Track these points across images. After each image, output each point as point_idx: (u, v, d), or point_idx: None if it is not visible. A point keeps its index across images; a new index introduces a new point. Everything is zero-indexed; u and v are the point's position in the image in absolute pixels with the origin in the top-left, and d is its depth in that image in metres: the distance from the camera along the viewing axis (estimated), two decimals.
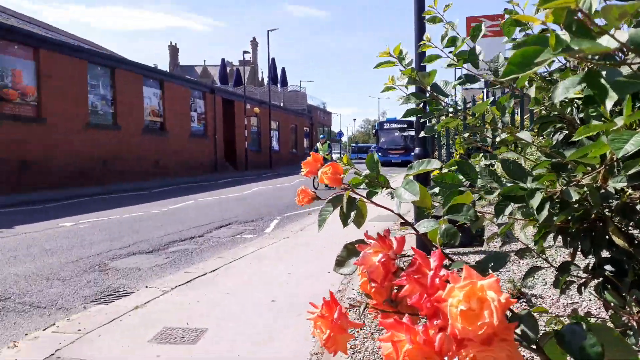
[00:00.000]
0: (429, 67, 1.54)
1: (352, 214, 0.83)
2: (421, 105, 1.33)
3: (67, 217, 10.38)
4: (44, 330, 4.11)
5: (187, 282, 5.29)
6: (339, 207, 0.99)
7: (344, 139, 61.91)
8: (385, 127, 38.31)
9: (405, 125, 37.27)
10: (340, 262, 0.90)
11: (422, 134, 1.29)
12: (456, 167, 0.94)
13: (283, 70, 44.95)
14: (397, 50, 1.38)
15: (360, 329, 3.64)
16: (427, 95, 1.27)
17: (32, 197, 14.07)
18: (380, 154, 33.63)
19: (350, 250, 0.89)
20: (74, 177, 17.46)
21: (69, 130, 17.49)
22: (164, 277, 5.71)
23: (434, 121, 1.34)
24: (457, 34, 1.30)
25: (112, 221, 9.91)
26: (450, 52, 1.40)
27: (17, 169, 15.31)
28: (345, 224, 0.86)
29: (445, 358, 0.71)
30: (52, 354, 3.51)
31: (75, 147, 17.69)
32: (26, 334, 4.06)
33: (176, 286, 5.12)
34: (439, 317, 0.70)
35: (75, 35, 26.53)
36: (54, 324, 4.25)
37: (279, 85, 43.71)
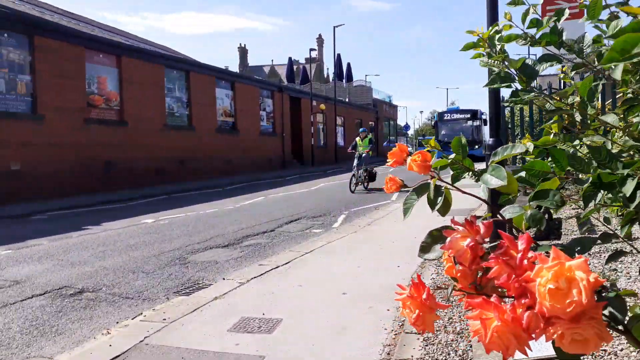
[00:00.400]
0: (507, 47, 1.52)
1: (440, 199, 0.87)
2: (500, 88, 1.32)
3: (148, 214, 11.05)
4: (132, 319, 4.44)
5: (262, 274, 5.49)
6: (422, 196, 1.03)
7: (410, 132, 60.91)
8: (445, 117, 34.80)
9: (469, 116, 33.70)
10: (424, 248, 0.94)
11: (507, 103, 1.27)
12: (541, 149, 0.94)
13: (348, 65, 44.92)
14: (486, 34, 1.38)
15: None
16: (514, 77, 1.26)
17: (116, 195, 15.07)
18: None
19: (435, 237, 0.92)
20: (153, 176, 18.49)
21: (148, 132, 18.54)
22: (240, 270, 5.95)
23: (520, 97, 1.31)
24: (539, 16, 1.28)
25: (189, 217, 10.43)
26: (528, 32, 1.38)
27: (101, 169, 16.46)
28: (433, 208, 0.90)
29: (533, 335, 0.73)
30: (142, 341, 3.78)
31: (154, 148, 18.72)
32: (117, 322, 4.40)
33: (252, 278, 5.33)
34: (526, 296, 0.73)
35: (151, 42, 28.02)
36: (141, 313, 4.57)
37: (344, 80, 43.75)
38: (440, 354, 3.08)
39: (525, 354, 0.74)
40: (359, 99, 45.66)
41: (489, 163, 0.90)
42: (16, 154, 13.65)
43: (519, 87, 1.29)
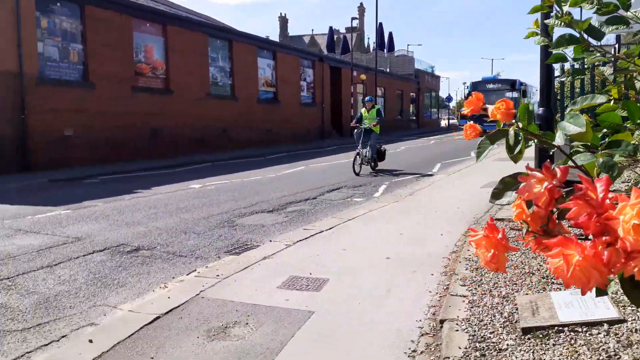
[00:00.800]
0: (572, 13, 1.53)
1: (519, 146, 0.93)
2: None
3: (195, 180, 11.41)
4: (187, 274, 4.69)
5: (307, 238, 5.65)
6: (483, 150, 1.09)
7: (452, 103, 59.43)
8: (480, 88, 29.95)
9: (507, 86, 29.66)
10: (496, 194, 1.00)
11: (564, 74, 1.30)
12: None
13: (390, 35, 43.98)
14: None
15: (478, 286, 3.69)
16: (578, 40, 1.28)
17: (162, 162, 15.57)
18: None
19: (507, 183, 0.98)
20: (196, 145, 18.94)
21: (192, 100, 18.91)
22: (285, 233, 6.14)
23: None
24: None
25: (234, 184, 10.72)
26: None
27: (148, 136, 16.98)
28: (511, 153, 0.95)
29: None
30: (197, 294, 4.02)
31: (198, 117, 19.11)
32: (173, 277, 4.66)
33: (297, 241, 5.50)
34: (606, 234, 0.78)
35: (194, 11, 28.21)
36: (195, 270, 4.82)
37: (385, 50, 42.96)
38: (486, 316, 3.15)
39: (604, 288, 0.80)
40: (401, 70, 44.80)
41: (566, 112, 0.94)
42: (69, 120, 14.25)
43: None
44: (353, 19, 34.57)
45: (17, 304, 4.02)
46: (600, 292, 1.12)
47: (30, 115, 13.15)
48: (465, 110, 1.05)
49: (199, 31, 19.64)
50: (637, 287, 0.95)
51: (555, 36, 1.56)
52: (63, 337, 3.49)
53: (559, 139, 0.91)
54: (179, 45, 18.31)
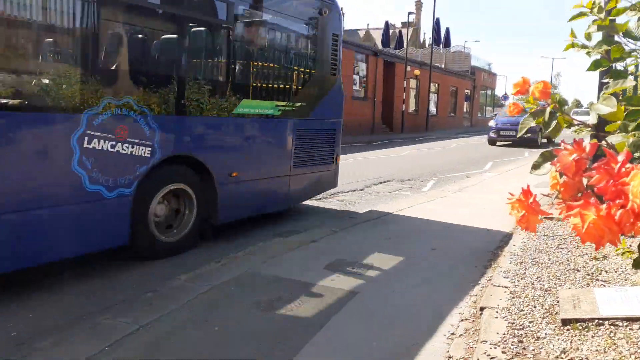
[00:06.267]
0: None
1: (553, 122, 1.05)
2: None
3: None
4: (240, 252, 4.95)
5: (352, 225, 5.82)
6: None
7: (509, 102, 57.59)
8: None
9: None
10: (536, 166, 1.13)
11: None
12: None
13: (447, 30, 43.03)
14: (589, 4, 1.49)
15: (521, 279, 3.74)
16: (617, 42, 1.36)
17: None
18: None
19: (546, 157, 1.11)
20: None
21: None
22: (332, 221, 6.32)
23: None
24: None
25: None
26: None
27: None
28: (546, 130, 1.08)
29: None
30: (248, 270, 4.26)
31: None
32: (228, 254, 4.93)
33: (344, 228, 5.67)
34: (621, 198, 0.90)
35: None
36: (247, 248, 5.07)
37: (441, 46, 42.22)
38: (527, 306, 3.21)
39: (615, 244, 0.92)
40: (456, 66, 43.90)
41: (600, 95, 1.05)
42: None
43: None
44: (410, 13, 34.24)
45: None
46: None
47: None
48: (514, 91, 1.17)
49: None
50: None
51: (593, 44, 1.64)
52: None
53: (592, 118, 1.03)
54: None
